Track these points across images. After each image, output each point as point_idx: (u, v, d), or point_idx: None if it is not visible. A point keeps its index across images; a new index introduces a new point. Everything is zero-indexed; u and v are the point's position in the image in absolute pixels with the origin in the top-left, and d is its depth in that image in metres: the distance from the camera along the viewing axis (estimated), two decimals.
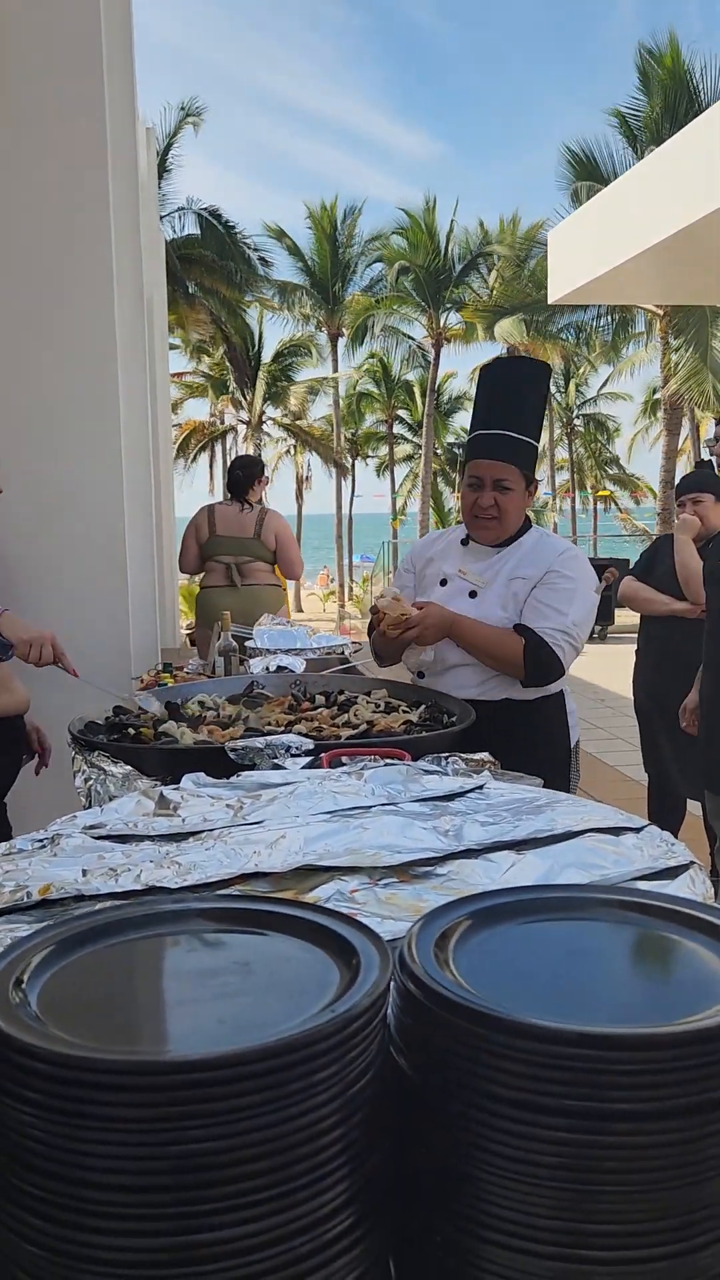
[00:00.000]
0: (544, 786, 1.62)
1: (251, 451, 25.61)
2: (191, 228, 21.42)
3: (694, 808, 3.99)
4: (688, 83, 17.30)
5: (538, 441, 2.48)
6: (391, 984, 0.65)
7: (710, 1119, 0.57)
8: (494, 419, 2.41)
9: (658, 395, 19.60)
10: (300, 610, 22.23)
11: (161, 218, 15.83)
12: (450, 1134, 0.60)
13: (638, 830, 1.30)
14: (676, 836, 2.97)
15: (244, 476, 5.16)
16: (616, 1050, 0.56)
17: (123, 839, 1.36)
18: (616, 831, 1.29)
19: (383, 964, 0.63)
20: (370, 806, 1.43)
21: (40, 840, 1.35)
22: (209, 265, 20.71)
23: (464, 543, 2.52)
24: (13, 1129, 0.55)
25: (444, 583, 2.52)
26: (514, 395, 2.43)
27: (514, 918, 0.73)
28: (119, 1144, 0.53)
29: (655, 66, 17.52)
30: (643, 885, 1.12)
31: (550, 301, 9.58)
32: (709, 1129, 0.57)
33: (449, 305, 26.37)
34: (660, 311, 18.09)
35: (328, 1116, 0.57)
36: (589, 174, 18.80)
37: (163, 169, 19.52)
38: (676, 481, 4.54)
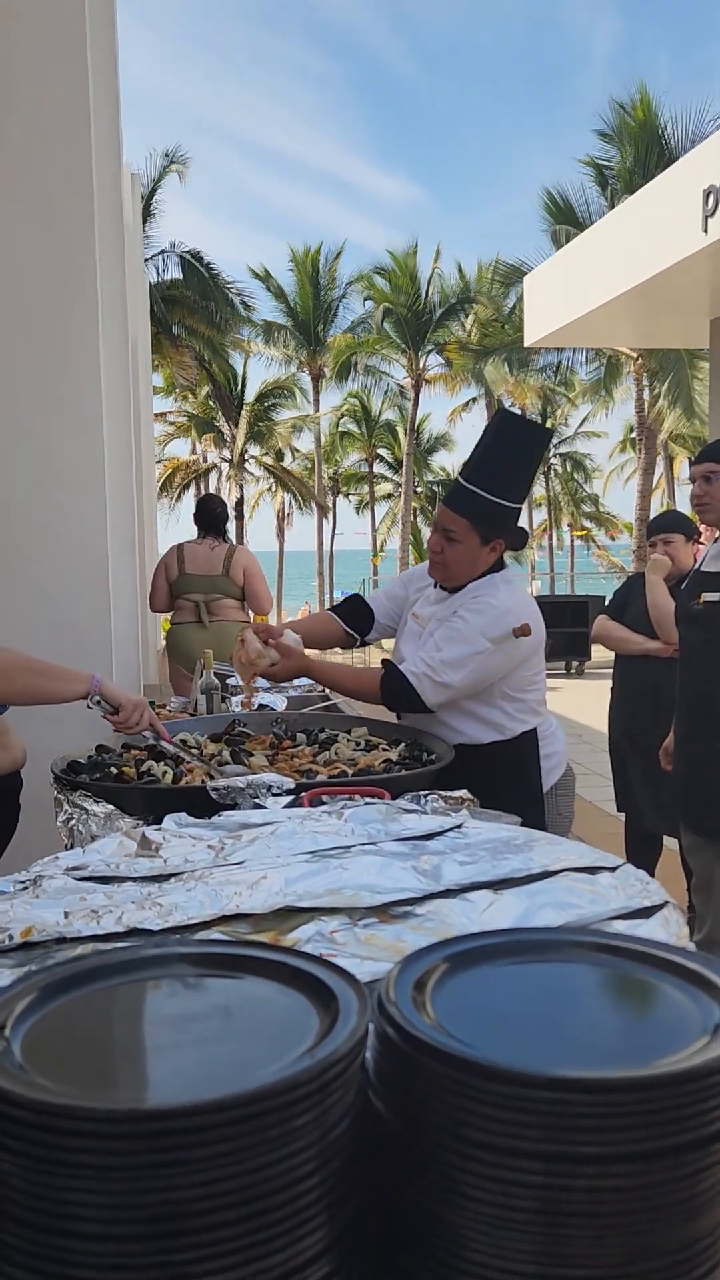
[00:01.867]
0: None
1: (235, 490, 25.75)
2: (175, 271, 21.71)
3: (670, 843, 4.01)
4: (658, 134, 17.77)
5: (510, 502, 2.40)
6: (370, 1027, 0.67)
7: (678, 1163, 0.59)
8: (469, 471, 2.43)
9: (634, 434, 19.89)
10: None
11: (145, 261, 16.03)
12: (427, 1177, 0.61)
13: (613, 869, 1.32)
14: (653, 873, 3.01)
15: (215, 514, 5.24)
16: (584, 1093, 0.57)
17: (105, 880, 1.37)
18: (593, 870, 1.31)
19: (361, 1008, 0.64)
20: (350, 846, 1.44)
21: (22, 881, 1.36)
22: (191, 306, 20.97)
23: (436, 585, 2.57)
24: None
25: (407, 623, 2.65)
26: (500, 453, 2.42)
27: (490, 960, 0.75)
28: (100, 1192, 0.54)
29: (628, 119, 18.00)
30: (618, 924, 1.14)
31: (527, 344, 9.76)
32: (677, 1173, 0.59)
33: (430, 347, 26.75)
34: (634, 354, 18.42)
35: (306, 1162, 0.58)
36: (567, 219, 19.23)
37: (147, 213, 19.80)
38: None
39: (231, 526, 5.26)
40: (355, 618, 2.72)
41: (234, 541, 5.24)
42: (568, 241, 10.60)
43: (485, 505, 2.37)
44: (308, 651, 2.51)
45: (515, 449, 2.41)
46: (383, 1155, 0.66)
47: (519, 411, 25.51)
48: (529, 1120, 0.58)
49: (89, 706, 2.14)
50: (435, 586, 2.55)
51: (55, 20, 3.25)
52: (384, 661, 2.48)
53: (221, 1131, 0.55)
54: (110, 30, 4.23)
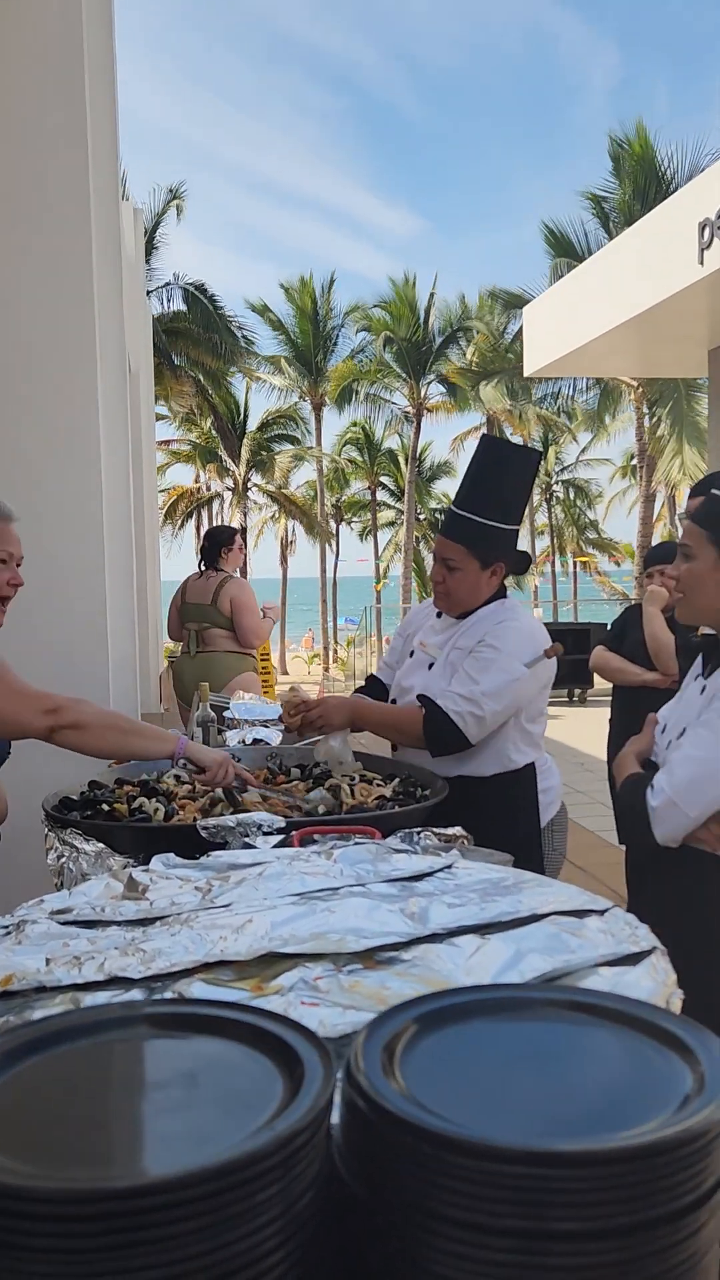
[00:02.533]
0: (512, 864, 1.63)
1: (238, 518, 25.87)
2: (178, 303, 21.93)
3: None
4: (656, 167, 17.99)
5: (506, 524, 2.39)
6: (339, 1090, 0.65)
7: (654, 1236, 0.57)
8: (460, 498, 2.43)
9: (635, 462, 19.96)
10: (285, 673, 22.20)
11: (149, 293, 16.20)
12: (392, 1249, 0.59)
13: (602, 913, 1.30)
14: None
15: (209, 545, 5.36)
16: (559, 1168, 0.56)
17: (89, 924, 1.35)
18: (581, 914, 1.29)
19: (325, 1075, 0.63)
20: (338, 888, 1.43)
21: (5, 926, 1.34)
22: (194, 338, 21.16)
23: (438, 614, 2.56)
24: None
25: (411, 654, 2.60)
26: (488, 478, 2.42)
27: (462, 1020, 0.73)
28: (58, 1275, 0.52)
29: (625, 152, 18.23)
30: (605, 971, 1.12)
31: (526, 374, 9.83)
32: (654, 1246, 0.57)
33: (430, 376, 26.93)
34: (635, 383, 18.54)
35: (270, 1238, 0.56)
36: (565, 251, 19.42)
37: (150, 247, 20.02)
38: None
39: (233, 554, 5.28)
40: (375, 692, 2.73)
41: (230, 572, 5.25)
42: (567, 273, 10.71)
43: (480, 530, 2.37)
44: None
45: (503, 472, 2.41)
46: (349, 1224, 0.64)
47: (511, 436, 25.73)
48: (500, 1195, 0.56)
49: (174, 765, 2.20)
50: (439, 615, 2.54)
51: (53, 55, 3.29)
52: (420, 698, 2.32)
53: (183, 1210, 0.53)
54: (109, 65, 4.29)
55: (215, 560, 5.27)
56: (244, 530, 26.07)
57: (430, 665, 2.47)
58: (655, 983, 1.08)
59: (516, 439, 29.52)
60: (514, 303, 24.63)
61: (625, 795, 1.88)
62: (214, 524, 29.85)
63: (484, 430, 27.93)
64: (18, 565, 2.36)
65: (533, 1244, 0.56)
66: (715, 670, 1.85)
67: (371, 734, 2.59)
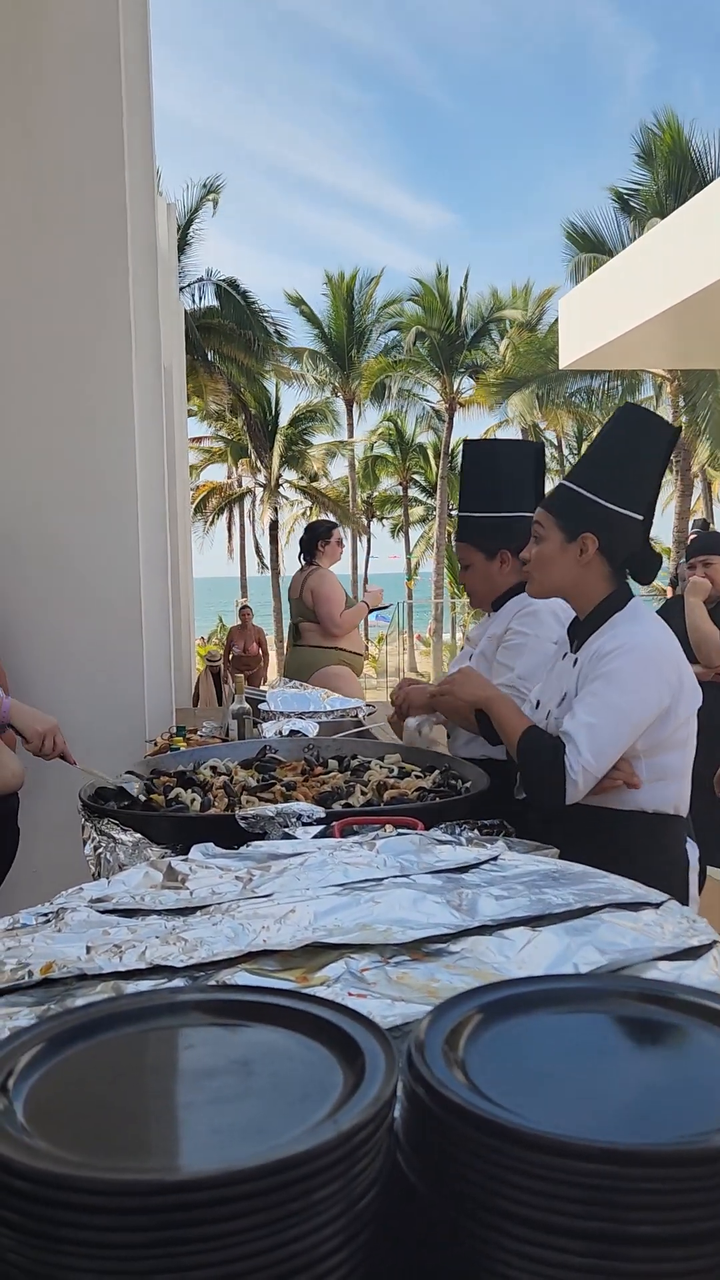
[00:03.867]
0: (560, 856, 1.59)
1: (269, 514, 25.91)
2: (210, 299, 21.97)
3: (716, 873, 3.90)
4: (690, 157, 17.77)
5: (497, 513, 2.53)
6: (399, 1081, 0.62)
7: None
8: (459, 502, 2.63)
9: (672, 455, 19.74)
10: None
11: (181, 289, 16.25)
12: (459, 1252, 0.56)
13: (657, 905, 1.26)
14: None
15: (307, 539, 5.40)
16: (637, 1167, 0.52)
17: (129, 913, 1.33)
18: (635, 907, 1.25)
19: (388, 1066, 0.59)
20: (382, 879, 1.40)
21: (45, 914, 1.32)
22: (227, 333, 21.19)
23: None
24: None
25: (462, 648, 2.81)
26: (470, 476, 2.60)
27: (528, 1010, 0.69)
28: (106, 1272, 0.49)
29: (658, 143, 18.04)
30: (663, 965, 1.08)
31: (561, 367, 9.72)
32: None
33: (462, 370, 26.80)
34: (669, 376, 18.32)
35: (331, 1238, 0.53)
36: (592, 247, 19.27)
37: (184, 243, 20.08)
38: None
39: (330, 548, 5.31)
40: None
41: (326, 566, 5.25)
42: (591, 271, 10.61)
43: (473, 524, 2.55)
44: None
45: (492, 468, 2.58)
46: (411, 1224, 0.60)
47: (545, 432, 25.44)
48: (574, 1195, 0.53)
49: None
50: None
51: (90, 53, 3.29)
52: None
53: (238, 1206, 0.50)
54: (145, 64, 4.28)
55: (313, 554, 5.30)
56: (276, 525, 26.10)
57: (470, 656, 2.63)
58: (717, 976, 1.04)
59: (550, 434, 29.26)
60: (543, 301, 24.44)
61: (532, 748, 1.97)
62: (245, 519, 29.96)
63: (516, 424, 27.74)
64: None
65: (609, 1247, 0.52)
66: (582, 645, 2.03)
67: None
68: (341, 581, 5.39)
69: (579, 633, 2.06)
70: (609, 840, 1.93)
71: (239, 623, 14.15)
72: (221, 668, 11.95)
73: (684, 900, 2.12)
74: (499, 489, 2.55)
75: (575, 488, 2.03)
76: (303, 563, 5.39)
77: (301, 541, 5.44)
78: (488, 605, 2.62)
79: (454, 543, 2.68)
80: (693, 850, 2.07)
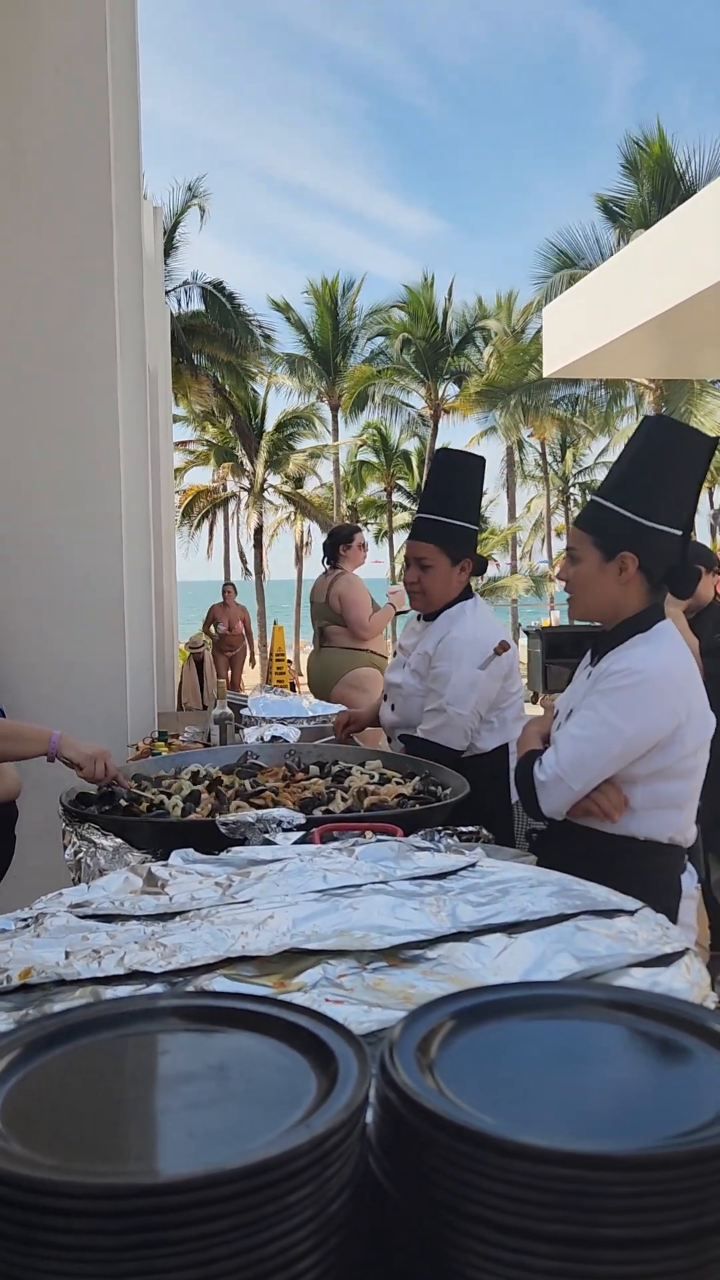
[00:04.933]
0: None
1: (254, 518, 25.89)
2: (196, 302, 21.94)
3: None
4: (673, 168, 17.93)
5: (470, 523, 2.68)
6: (372, 1086, 0.63)
7: (707, 1245, 0.54)
8: (424, 504, 2.73)
9: None
10: (301, 675, 22.15)
11: (168, 292, 16.23)
12: (430, 1256, 0.57)
13: (632, 913, 1.27)
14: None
15: (330, 543, 5.44)
16: (609, 1170, 0.53)
17: (108, 918, 1.33)
18: (610, 914, 1.27)
19: (360, 1071, 0.60)
20: (361, 885, 1.40)
21: (24, 919, 1.32)
22: (212, 335, 21.17)
23: (418, 618, 2.82)
24: None
25: (395, 654, 2.90)
26: (447, 483, 2.70)
27: (500, 1017, 0.70)
28: (81, 1274, 0.50)
29: (642, 155, 18.19)
30: (636, 972, 1.09)
31: (546, 374, 9.78)
32: (706, 1256, 0.54)
33: (447, 376, 26.88)
34: (651, 385, 18.46)
35: (303, 1240, 0.53)
36: (570, 263, 19.45)
37: (170, 246, 20.05)
38: None
39: (353, 551, 5.31)
40: None
41: (348, 569, 5.25)
42: (568, 288, 10.70)
43: (447, 528, 2.65)
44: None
45: (460, 477, 2.70)
46: (384, 1228, 0.61)
47: (529, 438, 25.51)
48: (543, 1199, 0.54)
49: (50, 761, 2.14)
50: (419, 619, 2.78)
51: (77, 57, 3.29)
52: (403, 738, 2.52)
53: (212, 1208, 0.51)
54: (132, 68, 4.28)
55: (335, 558, 5.31)
56: (260, 530, 26.05)
57: (405, 665, 2.75)
58: (688, 984, 1.05)
59: (534, 442, 29.39)
60: (528, 311, 24.58)
61: (521, 768, 2.03)
62: (230, 524, 29.90)
63: (500, 431, 27.84)
64: None
65: (579, 1250, 0.53)
66: (600, 659, 1.99)
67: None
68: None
69: (600, 647, 2.02)
70: (597, 862, 1.83)
71: (220, 600, 13.67)
72: (205, 655, 11.80)
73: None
74: (463, 500, 2.69)
75: (611, 505, 1.95)
76: (326, 567, 5.40)
77: (324, 546, 5.48)
78: (431, 609, 2.72)
79: (410, 541, 2.72)
80: (689, 880, 2.02)
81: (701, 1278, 0.54)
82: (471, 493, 2.72)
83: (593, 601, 2.01)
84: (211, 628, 12.91)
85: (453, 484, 2.70)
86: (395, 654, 2.88)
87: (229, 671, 12.45)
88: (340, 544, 5.33)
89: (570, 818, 1.96)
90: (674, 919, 1.94)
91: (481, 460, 2.83)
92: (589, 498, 2.08)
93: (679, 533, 1.94)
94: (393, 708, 2.75)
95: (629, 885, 1.76)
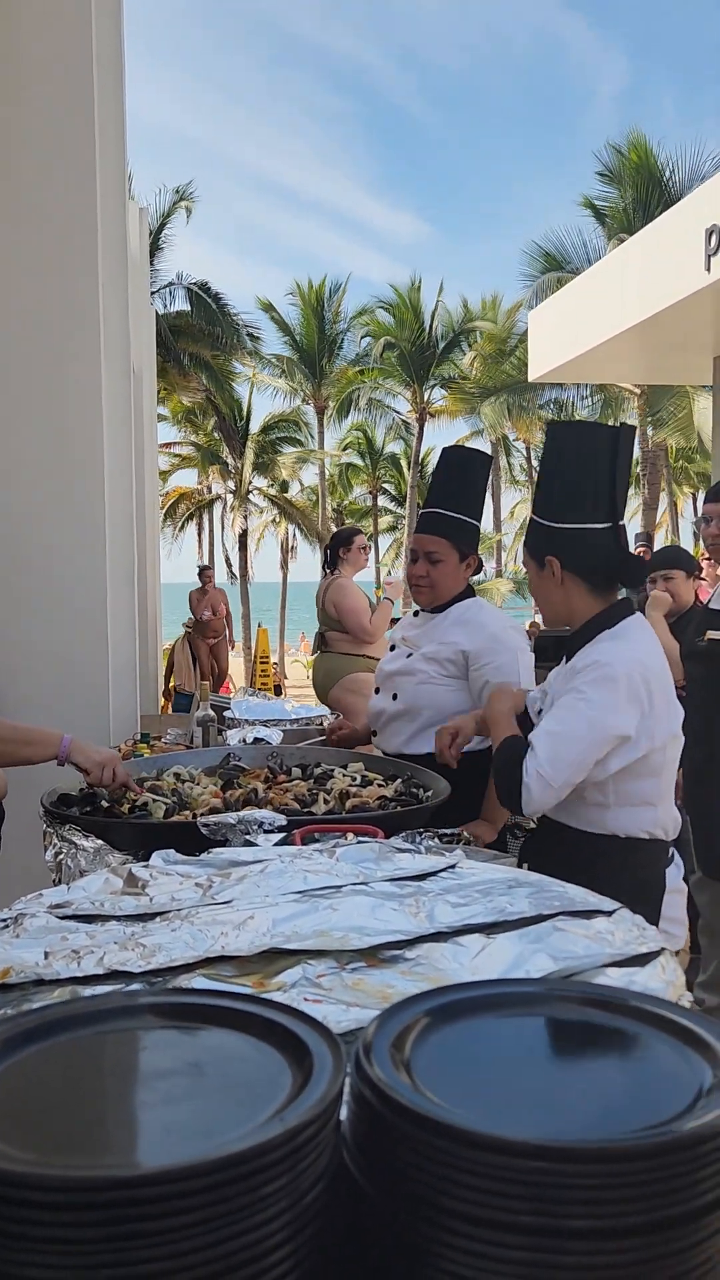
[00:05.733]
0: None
1: (239, 521, 25.84)
2: (182, 303, 21.89)
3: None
4: (656, 175, 18.04)
5: (476, 520, 2.72)
6: (347, 1083, 0.63)
7: (671, 1236, 0.55)
8: (433, 498, 2.72)
9: (638, 470, 19.97)
10: (286, 677, 22.12)
11: (153, 293, 16.20)
12: (404, 1249, 0.58)
13: (609, 913, 1.29)
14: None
15: (331, 546, 5.40)
16: (573, 1163, 0.54)
17: (89, 919, 1.34)
18: (588, 915, 1.28)
19: (335, 1066, 0.61)
20: (341, 886, 1.41)
21: (3, 920, 1.32)
22: (196, 334, 21.13)
23: (415, 613, 2.83)
24: None
25: (393, 647, 2.85)
26: (456, 479, 2.72)
27: (474, 1014, 0.71)
28: (57, 1266, 0.51)
29: (625, 162, 18.30)
30: (613, 972, 1.10)
31: (530, 379, 9.83)
32: (671, 1247, 0.55)
33: (433, 381, 26.95)
34: (637, 390, 18.56)
35: (277, 1231, 0.54)
36: (558, 265, 19.52)
37: (156, 247, 20.01)
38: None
39: (353, 554, 5.24)
40: None
41: (349, 574, 5.20)
42: (556, 290, 10.74)
43: (456, 524, 2.66)
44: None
45: (467, 474, 2.72)
46: (357, 1220, 0.62)
47: (514, 441, 25.55)
48: (513, 1191, 0.55)
49: (60, 765, 2.14)
50: (416, 614, 2.79)
51: (62, 56, 3.29)
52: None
53: (186, 1201, 0.52)
54: (118, 68, 4.28)
55: (335, 562, 5.25)
56: (245, 534, 26.00)
57: (409, 655, 2.71)
58: (664, 983, 1.07)
59: (520, 444, 29.49)
60: (513, 314, 24.67)
61: (502, 759, 2.00)
62: (215, 526, 29.83)
63: (486, 435, 27.93)
64: None
65: (547, 1241, 0.54)
66: (571, 658, 2.04)
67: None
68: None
69: (571, 647, 2.07)
70: (576, 859, 1.91)
71: (199, 586, 12.65)
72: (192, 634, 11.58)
73: (653, 924, 2.14)
74: (470, 495, 2.72)
75: (535, 518, 2.07)
76: (326, 571, 5.37)
77: (324, 549, 5.49)
78: (437, 604, 2.72)
79: (419, 535, 2.70)
80: (675, 872, 2.04)
81: (666, 1269, 0.55)
82: (477, 491, 2.76)
83: (546, 607, 2.11)
84: (195, 610, 12.31)
85: (462, 480, 2.73)
86: (393, 648, 2.85)
87: (213, 662, 12.15)
88: (340, 547, 5.30)
89: (550, 815, 2.01)
90: (658, 912, 1.99)
91: (488, 458, 2.87)
92: None
93: (603, 525, 1.99)
94: (394, 696, 2.69)
95: (614, 881, 1.77)
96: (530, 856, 2.03)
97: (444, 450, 2.86)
